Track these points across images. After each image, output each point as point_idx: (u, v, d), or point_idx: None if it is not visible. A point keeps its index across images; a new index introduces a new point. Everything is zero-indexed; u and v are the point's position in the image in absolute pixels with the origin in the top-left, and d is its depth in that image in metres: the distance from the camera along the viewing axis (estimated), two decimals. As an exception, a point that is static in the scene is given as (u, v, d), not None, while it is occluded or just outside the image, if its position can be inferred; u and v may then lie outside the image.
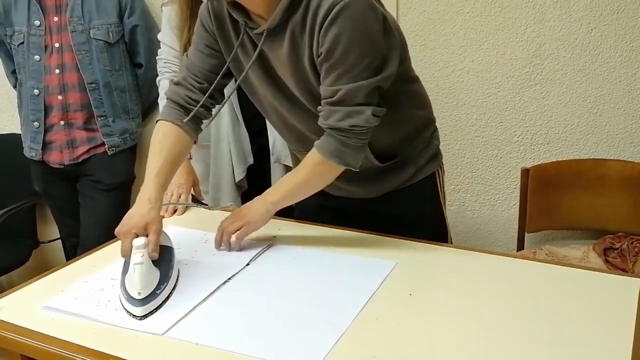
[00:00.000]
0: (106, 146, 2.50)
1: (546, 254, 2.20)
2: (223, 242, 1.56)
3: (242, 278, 1.43)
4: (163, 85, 2.13)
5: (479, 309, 1.27)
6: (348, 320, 1.23)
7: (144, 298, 1.27)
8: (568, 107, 2.27)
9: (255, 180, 2.19)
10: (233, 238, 1.56)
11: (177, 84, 1.61)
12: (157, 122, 1.60)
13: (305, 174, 1.52)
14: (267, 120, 2.05)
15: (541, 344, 1.14)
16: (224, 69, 1.57)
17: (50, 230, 3.16)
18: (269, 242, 1.61)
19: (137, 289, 1.28)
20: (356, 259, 1.51)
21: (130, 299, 1.28)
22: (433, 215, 1.76)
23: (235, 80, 1.63)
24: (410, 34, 2.37)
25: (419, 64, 2.39)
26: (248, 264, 1.48)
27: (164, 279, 1.34)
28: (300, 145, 1.66)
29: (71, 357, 1.17)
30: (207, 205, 2.03)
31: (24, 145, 2.59)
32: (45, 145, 2.50)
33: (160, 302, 1.30)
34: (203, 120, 1.64)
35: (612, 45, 2.15)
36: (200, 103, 1.58)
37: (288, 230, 1.69)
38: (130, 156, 2.64)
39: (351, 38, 1.34)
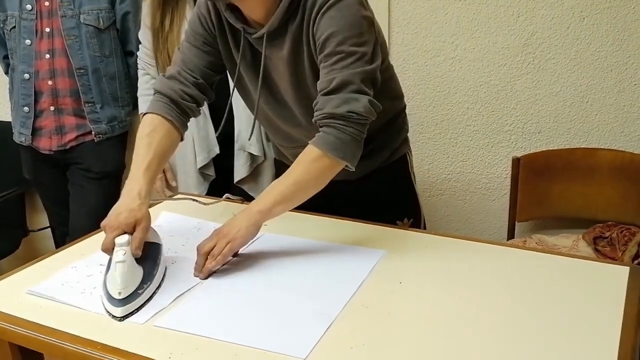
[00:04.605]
0: (93, 133, 2.48)
1: (536, 243, 2.21)
2: (204, 269, 1.36)
3: (232, 267, 1.42)
4: (140, 82, 2.24)
5: (469, 297, 1.27)
6: (338, 308, 1.23)
7: (125, 298, 1.23)
8: (559, 96, 2.27)
9: (221, 169, 2.23)
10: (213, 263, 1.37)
11: (170, 77, 1.57)
12: (144, 114, 1.57)
13: (301, 172, 1.40)
14: (234, 111, 2.08)
15: (531, 332, 1.14)
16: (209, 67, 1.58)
17: (40, 219, 3.14)
18: (259, 232, 1.60)
19: (117, 289, 1.23)
20: (345, 247, 1.51)
21: (110, 298, 1.24)
22: (406, 193, 1.85)
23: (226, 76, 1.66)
24: (402, 21, 2.36)
25: (410, 52, 2.39)
26: (237, 254, 1.48)
27: (147, 278, 1.29)
28: (285, 142, 1.70)
29: (59, 345, 1.16)
30: (197, 199, 2.02)
31: (13, 131, 2.57)
32: (35, 131, 2.49)
33: (142, 302, 1.26)
34: (190, 117, 1.62)
35: (603, 34, 2.15)
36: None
37: (277, 219, 1.69)
38: (120, 144, 2.62)
39: (343, 28, 1.37)
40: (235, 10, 1.48)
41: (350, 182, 1.69)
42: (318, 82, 1.43)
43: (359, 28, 1.39)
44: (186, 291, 1.31)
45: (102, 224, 1.35)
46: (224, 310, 1.25)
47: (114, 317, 1.22)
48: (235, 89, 1.66)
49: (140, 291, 1.26)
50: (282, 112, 1.61)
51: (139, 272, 1.29)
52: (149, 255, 1.35)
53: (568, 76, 2.23)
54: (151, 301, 1.27)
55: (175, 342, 1.14)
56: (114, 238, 1.30)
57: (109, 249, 1.31)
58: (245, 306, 1.26)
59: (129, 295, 1.24)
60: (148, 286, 1.28)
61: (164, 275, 1.37)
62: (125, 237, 1.29)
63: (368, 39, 1.42)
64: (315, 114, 1.43)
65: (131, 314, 1.23)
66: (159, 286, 1.33)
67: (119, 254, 1.27)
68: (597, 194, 2.24)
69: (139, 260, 1.32)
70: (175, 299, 1.28)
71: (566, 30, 2.19)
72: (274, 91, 1.58)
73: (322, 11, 1.38)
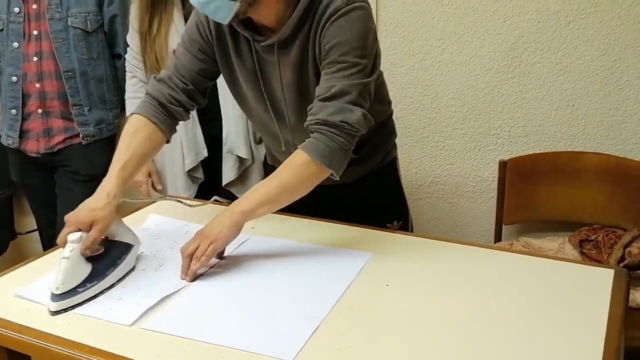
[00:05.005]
0: (81, 136, 2.48)
1: (523, 246, 2.22)
2: (189, 271, 1.36)
3: (219, 270, 1.42)
4: (128, 85, 2.25)
5: (456, 299, 1.28)
6: (325, 310, 1.23)
7: (61, 294, 1.25)
8: (545, 99, 2.28)
9: (209, 172, 2.23)
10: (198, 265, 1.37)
11: (160, 80, 1.57)
12: (131, 115, 1.57)
13: (287, 176, 1.42)
14: (222, 114, 2.09)
15: (517, 334, 1.15)
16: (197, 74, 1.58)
17: (28, 222, 3.13)
18: (247, 234, 1.61)
19: (56, 284, 1.25)
20: (332, 250, 1.51)
21: (50, 292, 1.26)
22: (396, 196, 1.87)
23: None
24: (389, 25, 2.37)
25: (398, 56, 2.40)
26: (225, 257, 1.48)
27: (95, 277, 1.30)
28: (280, 147, 1.69)
29: (46, 347, 1.16)
30: (183, 201, 2.01)
31: (1, 134, 2.56)
32: (23, 134, 2.48)
33: (81, 300, 1.27)
34: (179, 121, 1.62)
35: (589, 39, 2.17)
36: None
37: (265, 221, 1.69)
38: (108, 147, 2.60)
39: (350, 39, 1.40)
40: (244, 19, 1.47)
41: (342, 185, 1.68)
42: (317, 87, 1.45)
43: (364, 40, 1.42)
44: (173, 293, 1.31)
45: (65, 217, 1.36)
46: (211, 312, 1.25)
47: (49, 310, 1.24)
48: (232, 93, 1.67)
49: (80, 289, 1.27)
50: (279, 120, 1.61)
51: (84, 270, 1.30)
52: (110, 255, 1.36)
53: (554, 80, 2.25)
54: (141, 303, 1.27)
55: (162, 345, 1.14)
56: (68, 234, 1.31)
57: (62, 244, 1.32)
58: (233, 308, 1.26)
59: (66, 292, 1.25)
60: (93, 285, 1.29)
61: (125, 275, 1.38)
62: (77, 235, 1.30)
63: (370, 52, 1.45)
64: (308, 118, 1.44)
65: (65, 310, 1.25)
66: (112, 286, 1.33)
67: (67, 250, 1.28)
68: (583, 197, 2.26)
69: (94, 259, 1.33)
70: (161, 301, 1.28)
71: (552, 34, 2.20)
72: (272, 100, 1.58)
73: (332, 19, 1.40)
